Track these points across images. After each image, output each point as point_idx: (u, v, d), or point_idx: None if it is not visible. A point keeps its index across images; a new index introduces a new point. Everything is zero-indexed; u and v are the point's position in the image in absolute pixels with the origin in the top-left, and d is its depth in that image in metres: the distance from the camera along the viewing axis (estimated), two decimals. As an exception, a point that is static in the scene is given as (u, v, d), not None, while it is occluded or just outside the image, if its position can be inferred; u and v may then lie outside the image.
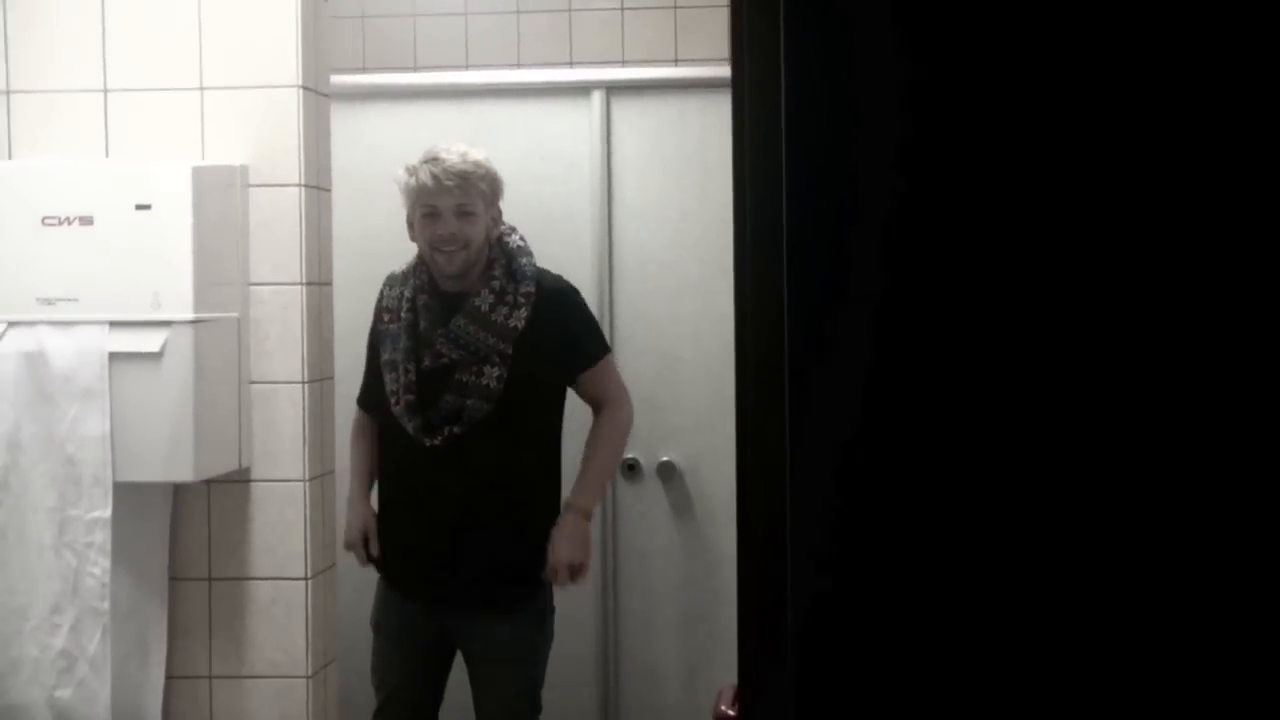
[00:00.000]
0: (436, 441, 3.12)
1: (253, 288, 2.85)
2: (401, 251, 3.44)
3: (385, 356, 3.22)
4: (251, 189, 2.85)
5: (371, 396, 3.30)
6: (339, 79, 3.24)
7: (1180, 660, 1.01)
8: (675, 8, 4.09)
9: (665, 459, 4.02)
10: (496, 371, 3.12)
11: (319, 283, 2.93)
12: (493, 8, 4.17)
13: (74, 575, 2.67)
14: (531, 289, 3.19)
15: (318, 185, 2.93)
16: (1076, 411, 1.02)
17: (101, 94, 2.87)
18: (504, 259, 3.21)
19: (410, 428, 3.14)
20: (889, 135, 1.03)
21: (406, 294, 3.22)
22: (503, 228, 3.27)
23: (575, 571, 3.22)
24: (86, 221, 2.70)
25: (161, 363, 2.64)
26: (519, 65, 4.14)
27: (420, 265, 3.23)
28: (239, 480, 2.85)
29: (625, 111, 4.03)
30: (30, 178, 2.73)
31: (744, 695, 1.10)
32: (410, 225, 3.23)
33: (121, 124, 2.86)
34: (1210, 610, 1.01)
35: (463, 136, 3.46)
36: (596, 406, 3.33)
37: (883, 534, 1.02)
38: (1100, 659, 1.02)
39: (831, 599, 1.03)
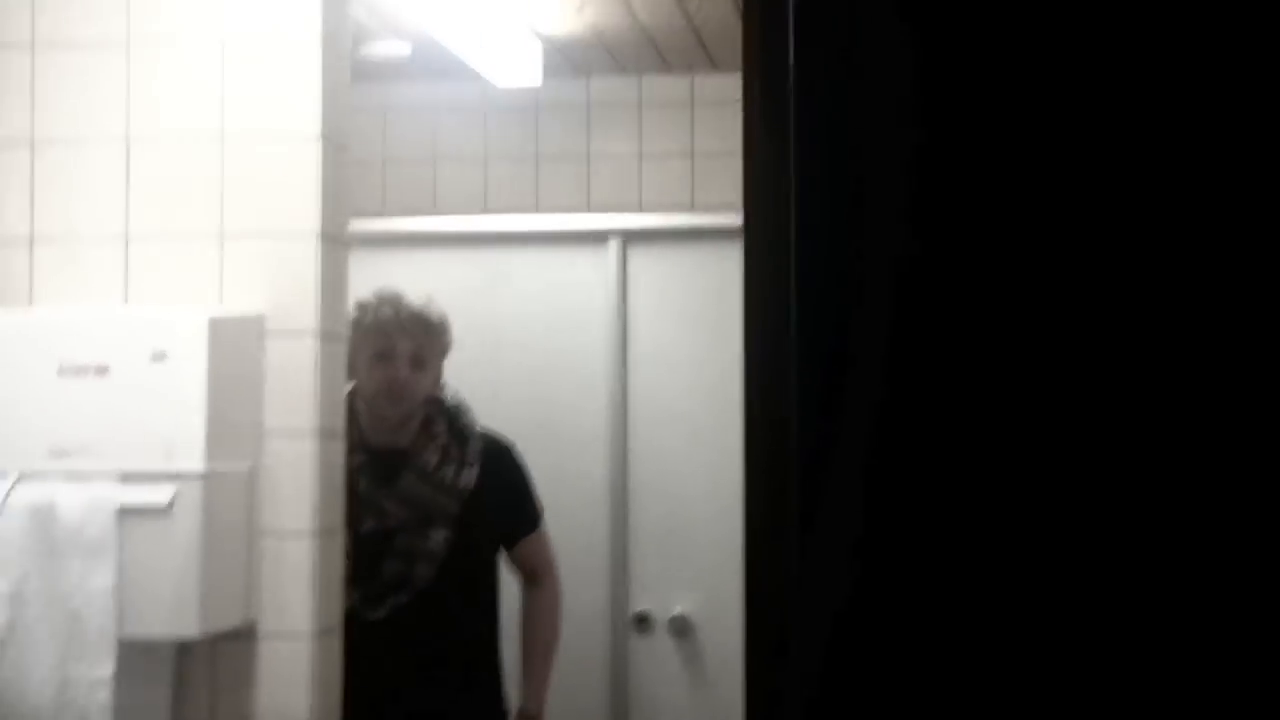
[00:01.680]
0: (380, 614, 2.96)
1: (266, 437, 2.82)
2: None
3: None
4: (268, 337, 2.83)
5: None
6: (358, 224, 3.26)
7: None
8: (692, 155, 4.13)
9: (678, 612, 3.94)
10: (443, 534, 2.97)
11: (331, 433, 2.90)
12: (512, 154, 4.22)
13: (73, 737, 2.60)
14: (480, 447, 3.08)
15: (333, 333, 2.92)
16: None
17: (123, 241, 2.88)
18: (444, 416, 3.08)
19: (351, 601, 2.90)
20: (893, 298, 1.00)
21: None
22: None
23: None
24: (102, 371, 2.68)
25: (171, 516, 2.60)
26: (537, 210, 4.17)
27: (351, 420, 2.96)
28: (244, 636, 2.79)
29: (642, 259, 4.05)
30: (48, 326, 2.72)
31: None
32: (352, 367, 3.00)
33: (141, 271, 2.87)
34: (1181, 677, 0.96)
35: (480, 282, 3.47)
36: (530, 576, 3.19)
37: (880, 703, 0.97)
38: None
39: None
